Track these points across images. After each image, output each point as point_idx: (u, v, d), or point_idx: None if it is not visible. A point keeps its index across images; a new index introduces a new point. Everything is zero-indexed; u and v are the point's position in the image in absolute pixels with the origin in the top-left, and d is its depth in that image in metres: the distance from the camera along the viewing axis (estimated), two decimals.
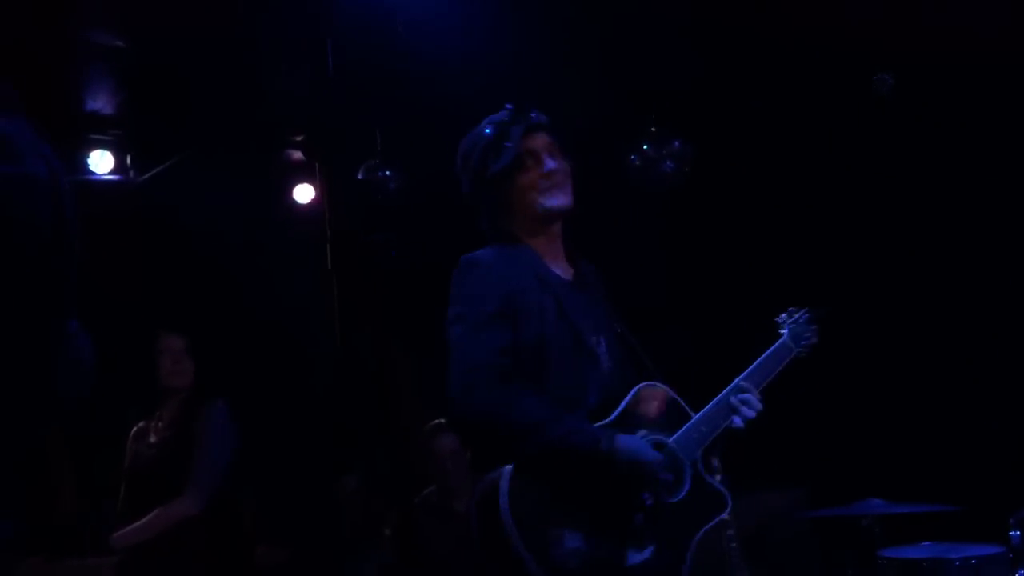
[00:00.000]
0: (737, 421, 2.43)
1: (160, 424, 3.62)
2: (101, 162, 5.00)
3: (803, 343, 2.67)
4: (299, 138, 5.40)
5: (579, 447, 2.20)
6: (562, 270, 2.49)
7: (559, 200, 2.43)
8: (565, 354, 2.32)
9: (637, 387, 2.36)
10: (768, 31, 4.29)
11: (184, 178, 5.14)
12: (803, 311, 2.72)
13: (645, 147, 4.70)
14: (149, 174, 5.19)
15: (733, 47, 4.46)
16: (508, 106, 2.50)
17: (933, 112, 4.47)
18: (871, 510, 3.39)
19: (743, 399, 2.44)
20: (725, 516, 2.40)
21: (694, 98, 4.78)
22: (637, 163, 4.71)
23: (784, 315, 2.73)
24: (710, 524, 2.37)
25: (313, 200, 5.72)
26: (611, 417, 2.30)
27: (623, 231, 4.88)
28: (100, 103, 4.83)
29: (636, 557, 2.23)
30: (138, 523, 3.35)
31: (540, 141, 2.45)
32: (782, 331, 2.68)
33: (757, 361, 2.56)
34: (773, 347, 2.62)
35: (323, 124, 1.25)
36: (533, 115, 2.48)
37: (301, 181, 5.72)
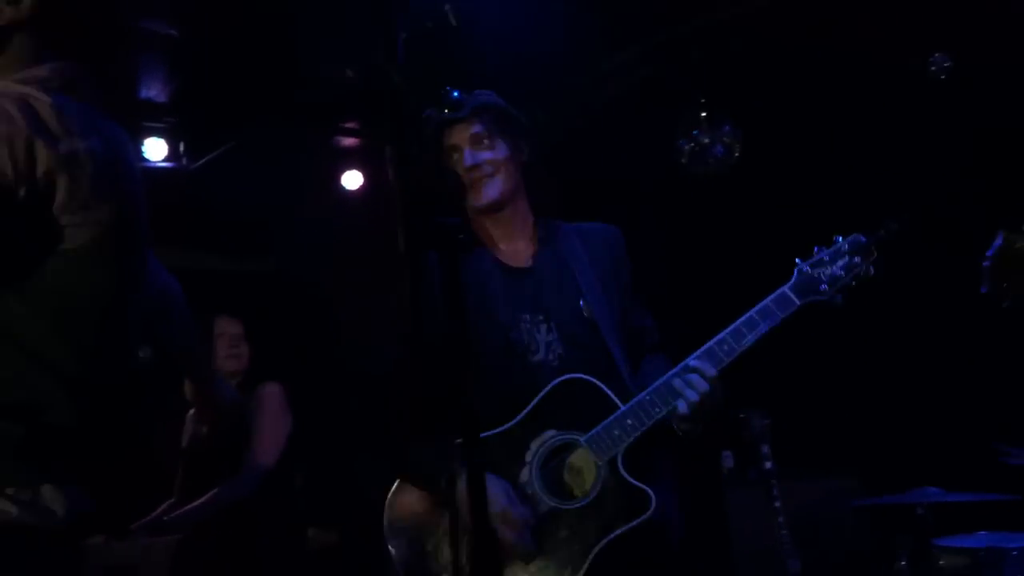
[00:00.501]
0: (682, 407, 2.16)
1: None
2: (155, 149, 5.08)
3: (824, 287, 2.26)
4: (362, 122, 5.42)
5: (423, 475, 2.19)
6: (514, 255, 2.40)
7: (481, 199, 2.33)
8: (493, 351, 2.24)
9: (554, 382, 2.22)
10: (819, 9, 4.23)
11: (236, 164, 5.20)
12: (848, 239, 2.30)
13: (695, 132, 4.66)
14: (202, 161, 5.25)
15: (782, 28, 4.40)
16: (446, 91, 2.37)
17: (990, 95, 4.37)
18: (927, 498, 3.35)
19: (689, 380, 2.17)
20: (646, 517, 2.13)
21: (742, 81, 4.73)
22: (687, 148, 4.67)
23: (820, 248, 2.32)
24: (627, 527, 2.13)
25: (362, 186, 5.78)
26: (518, 418, 2.19)
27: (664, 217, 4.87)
28: (154, 91, 4.89)
29: (521, 572, 2.12)
30: (194, 504, 3.41)
31: (461, 134, 2.34)
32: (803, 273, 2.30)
33: (730, 327, 2.24)
34: (762, 302, 2.26)
35: (390, 107, 1.25)
36: (452, 107, 2.34)
37: (350, 167, 5.77)
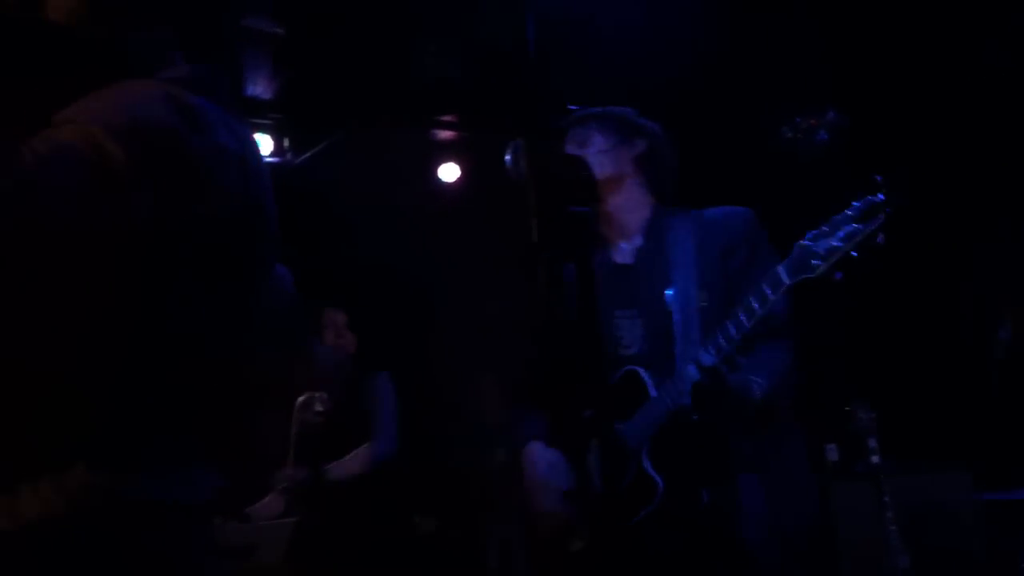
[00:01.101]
0: (684, 398, 2.13)
1: (326, 394, 3.78)
2: (261, 145, 5.22)
3: (817, 262, 2.00)
4: (459, 114, 5.48)
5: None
6: (622, 250, 2.45)
7: None
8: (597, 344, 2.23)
9: (615, 375, 2.28)
10: None
11: (338, 158, 5.32)
12: (861, 201, 1.98)
13: (798, 119, 4.56)
14: (305, 155, 5.38)
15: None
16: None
17: None
18: None
19: (688, 370, 2.12)
20: (652, 508, 2.14)
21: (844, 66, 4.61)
22: (789, 135, 4.58)
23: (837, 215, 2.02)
24: (636, 518, 2.14)
25: (458, 178, 5.85)
26: (590, 411, 2.17)
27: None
28: (259, 88, 5.03)
29: (575, 546, 2.22)
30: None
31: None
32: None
33: (730, 316, 2.12)
34: (756, 285, 2.10)
35: (522, 99, 1.26)
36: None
37: (447, 160, 5.85)
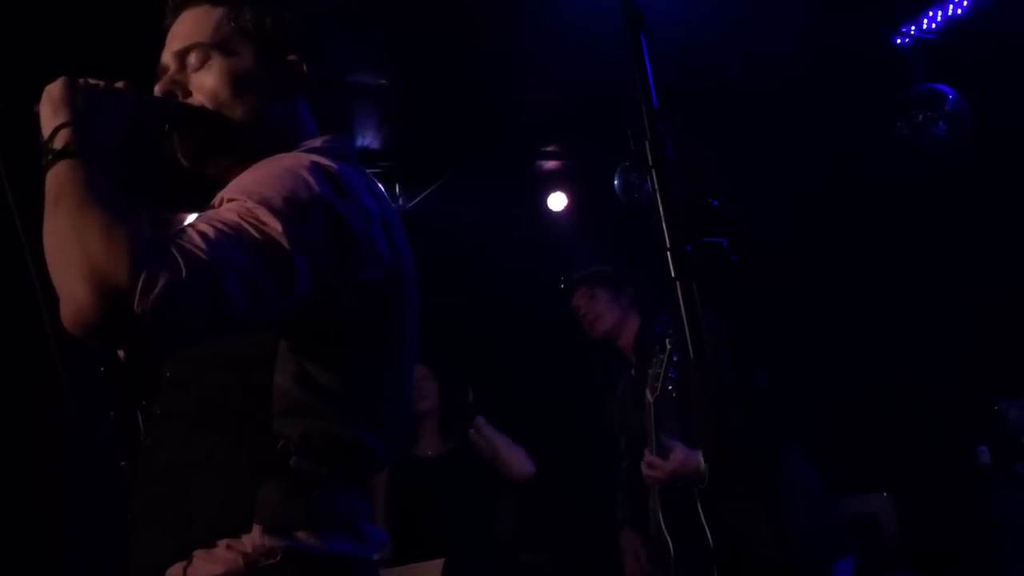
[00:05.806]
0: None
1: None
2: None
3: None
4: (562, 144, 5.52)
5: None
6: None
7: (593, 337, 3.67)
8: None
9: None
10: None
11: (447, 199, 5.41)
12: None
13: (912, 111, 4.37)
14: (416, 200, 5.50)
15: None
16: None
17: None
18: None
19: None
20: None
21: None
22: (904, 131, 4.39)
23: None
24: None
25: (567, 207, 5.86)
26: None
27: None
28: (368, 139, 5.17)
29: None
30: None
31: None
32: None
33: None
34: None
35: (649, 132, 1.25)
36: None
37: (554, 190, 5.87)
